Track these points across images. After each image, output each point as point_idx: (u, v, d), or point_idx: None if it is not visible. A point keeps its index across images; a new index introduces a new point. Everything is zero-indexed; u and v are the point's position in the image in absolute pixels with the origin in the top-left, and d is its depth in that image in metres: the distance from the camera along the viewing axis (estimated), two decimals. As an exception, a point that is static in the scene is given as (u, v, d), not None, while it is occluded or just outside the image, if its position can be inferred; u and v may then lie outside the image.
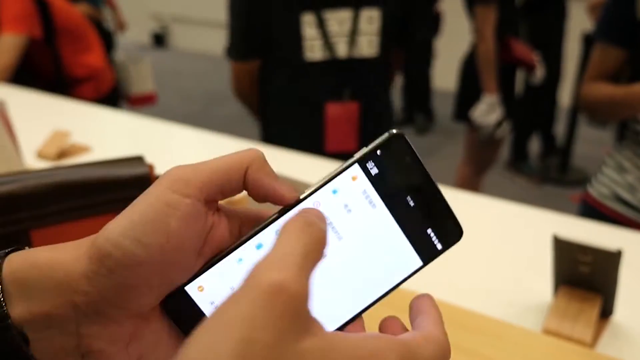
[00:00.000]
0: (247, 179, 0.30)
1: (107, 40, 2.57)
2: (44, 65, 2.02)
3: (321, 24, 1.42)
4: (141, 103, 3.01)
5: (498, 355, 0.64)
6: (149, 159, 0.61)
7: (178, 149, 1.35)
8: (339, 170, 0.30)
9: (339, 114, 1.49)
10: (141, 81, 2.98)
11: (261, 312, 0.21)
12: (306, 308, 0.23)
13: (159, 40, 7.00)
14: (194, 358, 0.20)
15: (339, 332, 0.25)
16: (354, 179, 0.30)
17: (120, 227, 0.27)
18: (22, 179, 0.47)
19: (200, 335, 0.21)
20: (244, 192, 0.32)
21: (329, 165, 1.22)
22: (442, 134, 4.14)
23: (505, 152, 3.48)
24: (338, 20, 1.42)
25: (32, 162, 1.18)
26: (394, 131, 0.31)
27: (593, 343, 0.67)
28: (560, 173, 3.39)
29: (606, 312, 0.71)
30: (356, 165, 0.30)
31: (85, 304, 0.26)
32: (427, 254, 0.32)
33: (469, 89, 2.34)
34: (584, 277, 0.70)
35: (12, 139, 0.91)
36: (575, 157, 3.45)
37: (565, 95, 3.73)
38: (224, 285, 0.29)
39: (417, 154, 0.31)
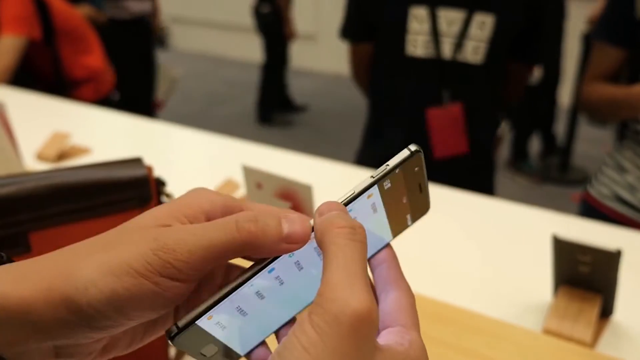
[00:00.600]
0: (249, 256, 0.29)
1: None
2: (43, 66, 2.03)
3: (433, 20, 1.36)
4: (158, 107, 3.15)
5: (498, 356, 0.64)
6: (150, 160, 0.61)
7: (178, 149, 1.35)
8: (357, 192, 0.31)
9: (442, 118, 1.43)
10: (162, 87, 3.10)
11: (349, 344, 0.23)
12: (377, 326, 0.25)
13: (159, 40, 7.00)
14: None
15: (389, 344, 0.27)
16: (369, 197, 0.32)
17: (102, 293, 0.26)
18: (20, 181, 0.47)
19: None
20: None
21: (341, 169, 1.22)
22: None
23: (505, 151, 3.48)
24: (448, 19, 1.35)
25: (32, 163, 1.18)
26: (413, 148, 0.32)
27: (593, 343, 0.67)
28: (560, 172, 3.39)
29: (606, 312, 0.71)
30: (375, 187, 0.32)
31: (62, 339, 0.27)
32: (399, 230, 0.34)
33: None
34: (584, 277, 0.70)
35: (12, 141, 0.91)
36: (575, 156, 3.45)
37: (565, 94, 3.73)
38: (232, 308, 0.30)
39: (424, 164, 0.33)
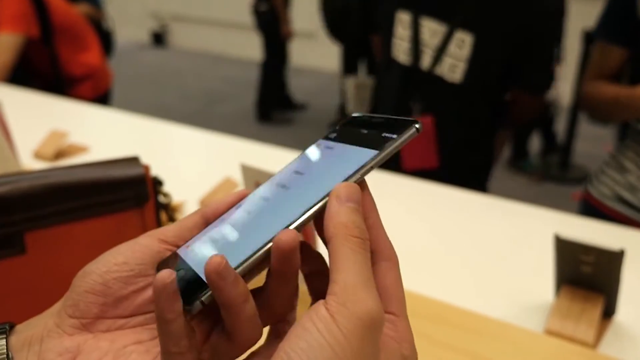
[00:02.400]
0: None
1: (106, 41, 2.56)
2: (41, 64, 2.02)
3: (414, 27, 1.34)
4: None
5: (500, 357, 0.63)
6: (148, 159, 0.61)
7: (177, 148, 1.34)
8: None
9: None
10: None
11: (368, 344, 0.26)
12: None
13: (158, 39, 6.99)
14: None
15: (384, 341, 0.29)
16: (317, 145, 0.36)
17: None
18: (15, 181, 0.47)
19: None
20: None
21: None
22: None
23: (505, 150, 3.47)
24: (431, 30, 1.32)
25: (29, 162, 1.17)
26: (355, 114, 0.36)
27: (595, 343, 0.66)
28: (560, 171, 3.39)
29: (608, 312, 0.71)
30: (319, 140, 0.36)
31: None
32: (381, 145, 0.32)
33: None
34: (586, 277, 0.69)
35: (9, 139, 0.90)
36: (575, 154, 3.45)
37: (565, 92, 3.72)
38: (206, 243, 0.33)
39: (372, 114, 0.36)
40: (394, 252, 0.32)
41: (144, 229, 0.52)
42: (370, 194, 0.32)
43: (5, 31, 1.81)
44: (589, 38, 2.97)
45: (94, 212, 0.49)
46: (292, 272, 0.30)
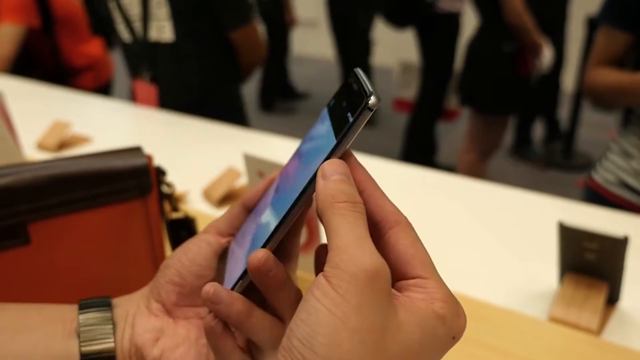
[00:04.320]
0: None
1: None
2: (43, 55, 2.01)
3: (119, 8, 1.50)
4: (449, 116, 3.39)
5: (503, 344, 0.63)
6: (151, 148, 0.61)
7: (180, 138, 1.34)
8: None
9: (144, 93, 1.59)
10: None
11: (370, 298, 0.25)
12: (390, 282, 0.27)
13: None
14: (323, 353, 0.24)
15: (405, 300, 0.28)
16: (320, 119, 0.34)
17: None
18: (18, 172, 0.46)
19: (321, 331, 0.25)
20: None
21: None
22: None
23: (508, 137, 3.46)
24: (132, 3, 1.47)
25: (32, 153, 1.17)
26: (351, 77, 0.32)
27: (599, 330, 0.66)
28: (564, 158, 3.37)
29: (612, 299, 0.71)
30: (324, 108, 0.34)
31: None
32: (341, 130, 0.30)
33: (475, 73, 2.33)
34: (590, 264, 0.69)
35: (11, 131, 0.90)
36: (579, 141, 3.43)
37: (568, 79, 3.70)
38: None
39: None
40: (402, 216, 0.30)
41: (147, 219, 0.52)
42: (360, 165, 0.31)
43: (6, 22, 1.81)
44: (592, 24, 2.95)
45: (97, 203, 0.49)
46: (268, 287, 0.31)
